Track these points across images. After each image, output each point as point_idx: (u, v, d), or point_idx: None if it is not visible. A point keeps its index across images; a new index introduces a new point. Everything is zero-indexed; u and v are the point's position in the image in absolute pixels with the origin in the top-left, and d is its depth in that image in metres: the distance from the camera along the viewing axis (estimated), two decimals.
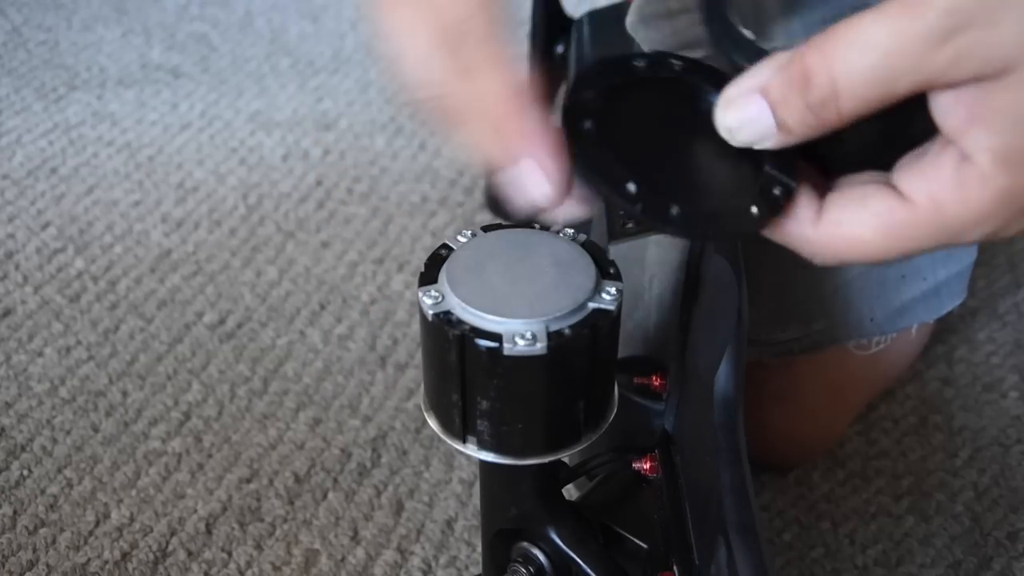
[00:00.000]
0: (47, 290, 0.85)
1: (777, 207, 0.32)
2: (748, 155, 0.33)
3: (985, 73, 0.28)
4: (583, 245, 0.38)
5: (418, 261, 0.89)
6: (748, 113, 0.31)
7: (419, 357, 0.72)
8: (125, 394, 0.75)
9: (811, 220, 0.32)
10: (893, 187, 0.30)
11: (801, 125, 0.30)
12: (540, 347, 0.34)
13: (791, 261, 0.32)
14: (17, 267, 0.88)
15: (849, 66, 0.28)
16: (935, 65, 0.28)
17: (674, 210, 0.31)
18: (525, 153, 0.30)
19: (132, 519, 0.66)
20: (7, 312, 0.83)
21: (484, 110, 0.30)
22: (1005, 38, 0.27)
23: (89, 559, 0.63)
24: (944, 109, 0.29)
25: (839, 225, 0.31)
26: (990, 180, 0.29)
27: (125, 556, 0.64)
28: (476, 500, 0.67)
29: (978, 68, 0.28)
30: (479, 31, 0.30)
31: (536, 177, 0.30)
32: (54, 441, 0.71)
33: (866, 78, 0.28)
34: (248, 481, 0.69)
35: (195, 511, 0.66)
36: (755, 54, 0.37)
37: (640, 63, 0.34)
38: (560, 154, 0.30)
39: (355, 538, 0.65)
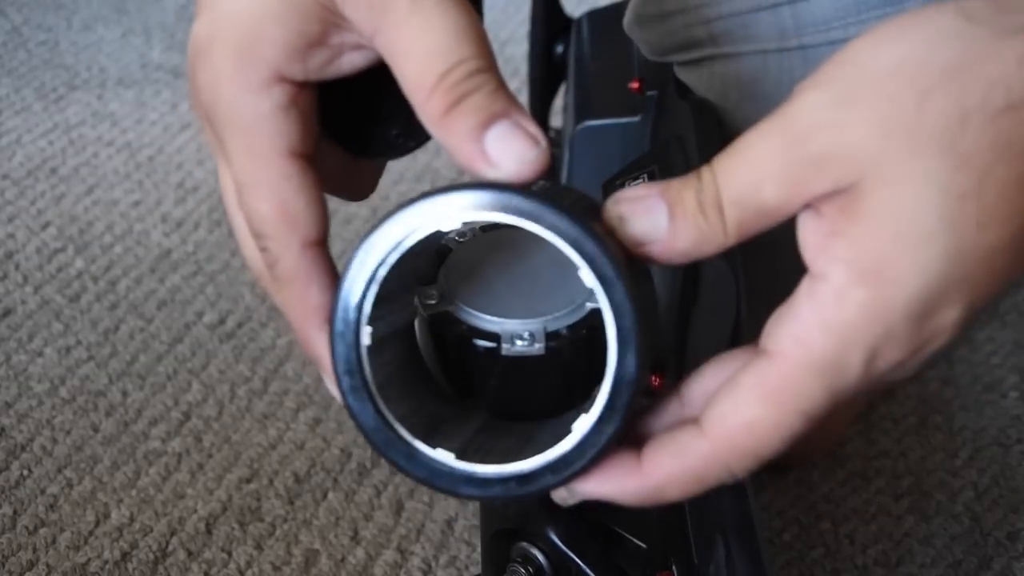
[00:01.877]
0: (47, 290, 0.85)
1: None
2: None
3: (843, 180, 0.27)
4: None
5: None
6: (644, 204, 0.29)
7: None
8: (125, 394, 0.75)
9: (692, 436, 0.30)
10: (763, 351, 0.29)
11: (690, 230, 0.29)
12: (538, 347, 0.34)
13: (788, 262, 0.32)
14: (17, 267, 0.88)
15: (726, 166, 0.29)
16: (796, 165, 0.28)
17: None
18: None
19: (132, 519, 0.66)
20: (7, 312, 0.83)
21: (289, 318, 0.34)
22: (856, 138, 0.27)
23: (89, 559, 0.63)
24: (807, 232, 0.29)
25: (724, 420, 0.29)
26: (845, 295, 0.28)
27: (125, 556, 0.64)
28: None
29: (835, 167, 0.27)
30: (287, 251, 0.33)
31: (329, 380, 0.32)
32: (54, 441, 0.71)
33: (739, 177, 0.29)
34: (248, 481, 0.69)
35: (195, 511, 0.66)
36: None
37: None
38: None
39: (355, 538, 0.65)
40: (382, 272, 0.30)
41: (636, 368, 0.29)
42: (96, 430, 0.72)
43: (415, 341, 0.35)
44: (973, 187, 0.27)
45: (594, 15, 0.78)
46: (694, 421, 0.30)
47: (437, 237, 0.30)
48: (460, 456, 0.31)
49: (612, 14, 0.74)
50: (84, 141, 1.07)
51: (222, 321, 0.82)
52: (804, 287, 0.29)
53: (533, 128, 0.30)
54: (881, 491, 0.68)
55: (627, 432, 0.30)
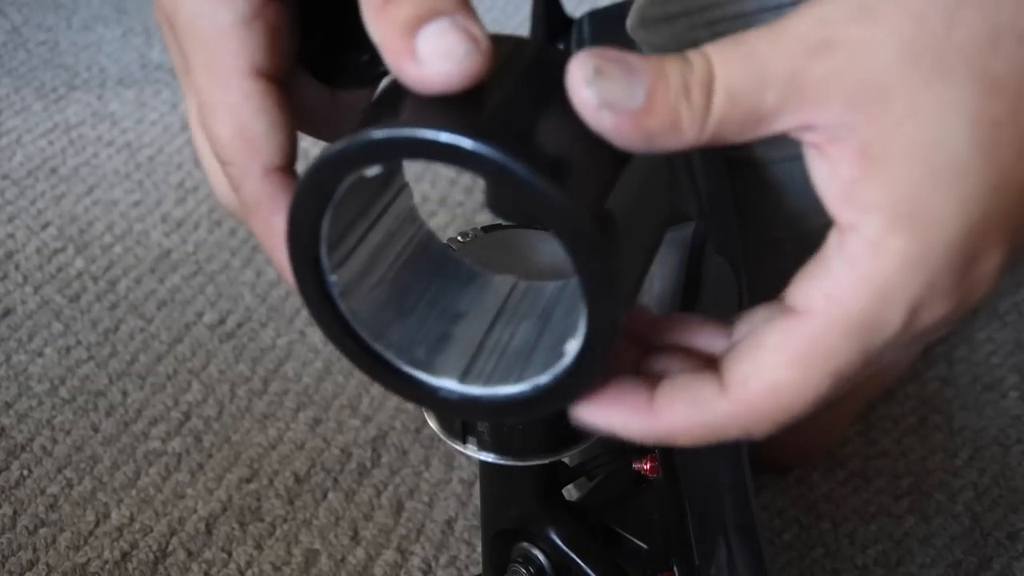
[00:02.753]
0: (47, 290, 0.85)
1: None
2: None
3: (860, 100, 0.25)
4: None
5: None
6: (624, 65, 0.25)
7: None
8: (125, 394, 0.75)
9: (712, 392, 0.27)
10: (789, 309, 0.27)
11: (668, 107, 0.25)
12: None
13: (791, 263, 0.32)
14: (17, 267, 0.88)
15: (723, 54, 0.26)
16: (807, 77, 0.25)
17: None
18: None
19: (132, 519, 0.66)
20: (7, 312, 0.83)
21: (263, 244, 0.31)
22: (879, 58, 0.25)
23: (89, 559, 0.63)
24: (825, 179, 0.26)
25: (746, 382, 0.27)
26: (881, 246, 0.25)
27: (125, 556, 0.64)
28: (476, 500, 0.67)
29: (851, 89, 0.25)
30: (249, 177, 0.30)
31: None
32: (54, 441, 0.71)
33: (738, 70, 0.25)
34: (248, 481, 0.69)
35: (195, 511, 0.66)
36: None
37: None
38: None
39: (355, 538, 0.65)
40: (325, 227, 0.28)
41: (613, 317, 0.26)
42: (96, 430, 0.72)
43: (405, 244, 0.33)
44: (1007, 113, 0.25)
45: (595, 15, 0.78)
46: (715, 370, 0.28)
47: (369, 176, 0.27)
48: (463, 378, 0.30)
49: (613, 14, 0.74)
50: (84, 141, 1.06)
51: (222, 321, 0.82)
52: (833, 241, 0.26)
53: (477, 30, 0.26)
54: (881, 491, 0.68)
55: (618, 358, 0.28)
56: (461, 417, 0.31)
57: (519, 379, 0.29)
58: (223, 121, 0.30)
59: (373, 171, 0.26)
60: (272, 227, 0.30)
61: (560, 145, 0.25)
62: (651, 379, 0.29)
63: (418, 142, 0.25)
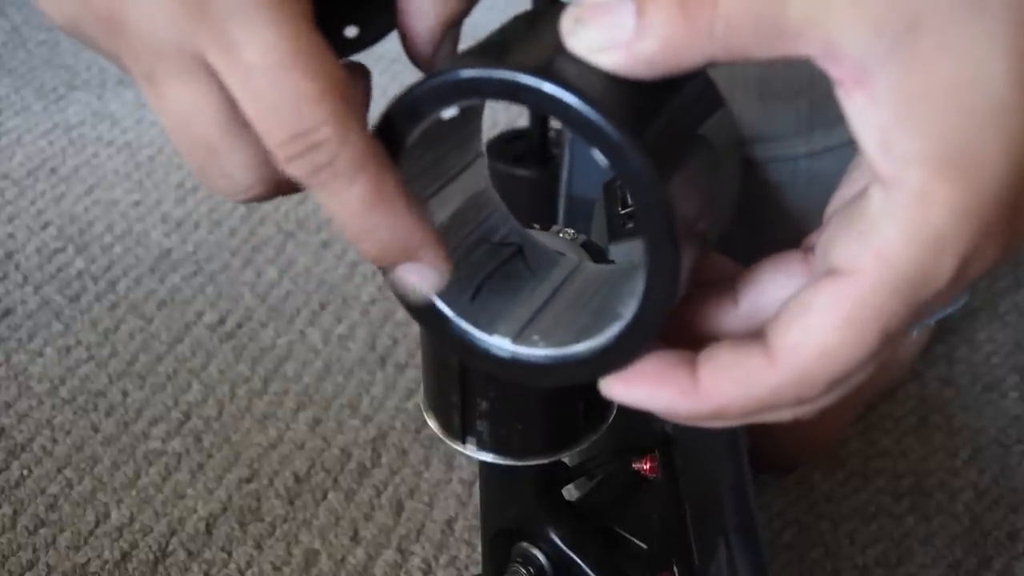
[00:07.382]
0: (47, 290, 0.85)
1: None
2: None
3: (889, 30, 0.23)
4: (582, 245, 0.38)
5: None
6: (606, 5, 0.25)
7: (419, 357, 0.72)
8: (125, 394, 0.75)
9: (759, 364, 0.26)
10: (835, 271, 0.26)
11: (666, 25, 0.24)
12: None
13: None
14: (17, 267, 0.88)
15: None
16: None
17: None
18: (407, 256, 0.28)
19: (132, 519, 0.66)
20: (7, 312, 0.83)
21: (375, 208, 0.27)
22: None
23: (89, 559, 0.63)
24: (858, 123, 0.25)
25: (797, 350, 0.26)
26: (929, 196, 0.24)
27: (125, 556, 0.64)
28: (476, 500, 0.67)
29: (881, 14, 0.23)
30: (353, 129, 0.26)
31: (423, 275, 0.28)
32: (54, 441, 0.71)
33: None
34: (248, 481, 0.69)
35: (195, 511, 0.66)
36: None
37: None
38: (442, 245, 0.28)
39: (355, 538, 0.65)
40: (402, 169, 0.28)
41: (671, 285, 0.26)
42: (96, 430, 0.72)
43: (476, 213, 0.33)
44: None
45: None
46: (758, 340, 0.27)
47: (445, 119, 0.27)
48: (516, 339, 0.30)
49: None
50: (84, 141, 1.06)
51: (222, 321, 0.82)
52: (876, 196, 0.25)
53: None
54: (881, 491, 0.68)
55: (665, 329, 0.27)
56: (514, 379, 0.31)
57: (574, 342, 0.29)
58: (311, 76, 0.25)
59: (449, 112, 0.26)
60: (390, 176, 0.27)
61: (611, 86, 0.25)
62: (686, 352, 0.28)
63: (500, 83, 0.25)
